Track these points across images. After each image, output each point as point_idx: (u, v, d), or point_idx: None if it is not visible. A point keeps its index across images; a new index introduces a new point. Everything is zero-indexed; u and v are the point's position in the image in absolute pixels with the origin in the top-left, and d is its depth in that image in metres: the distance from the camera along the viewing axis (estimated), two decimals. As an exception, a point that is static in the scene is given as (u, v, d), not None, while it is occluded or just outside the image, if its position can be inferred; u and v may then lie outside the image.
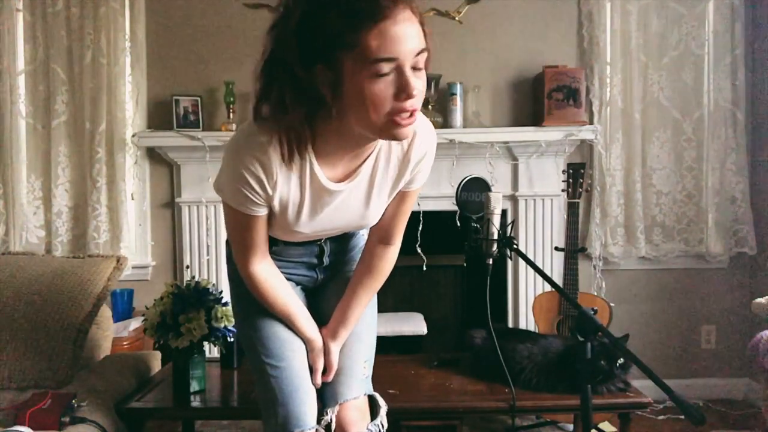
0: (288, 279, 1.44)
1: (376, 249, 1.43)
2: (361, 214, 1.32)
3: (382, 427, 1.44)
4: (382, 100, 1.05)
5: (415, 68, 1.06)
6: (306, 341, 1.41)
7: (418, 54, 1.05)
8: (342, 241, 1.49)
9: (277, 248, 1.41)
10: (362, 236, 1.53)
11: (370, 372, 1.47)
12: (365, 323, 1.49)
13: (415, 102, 1.07)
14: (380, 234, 1.42)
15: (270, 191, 1.20)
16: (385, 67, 1.03)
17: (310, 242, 1.43)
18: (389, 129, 1.09)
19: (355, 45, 1.01)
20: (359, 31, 1.01)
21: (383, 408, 1.45)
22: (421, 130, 1.25)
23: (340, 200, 1.27)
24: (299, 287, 1.51)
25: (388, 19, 1.01)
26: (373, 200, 1.31)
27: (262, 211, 1.25)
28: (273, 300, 1.38)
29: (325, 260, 1.49)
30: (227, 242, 1.49)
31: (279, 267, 1.41)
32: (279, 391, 1.33)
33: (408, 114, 1.07)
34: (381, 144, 1.25)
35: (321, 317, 1.47)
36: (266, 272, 1.36)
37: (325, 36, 1.04)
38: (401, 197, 1.36)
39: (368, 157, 1.25)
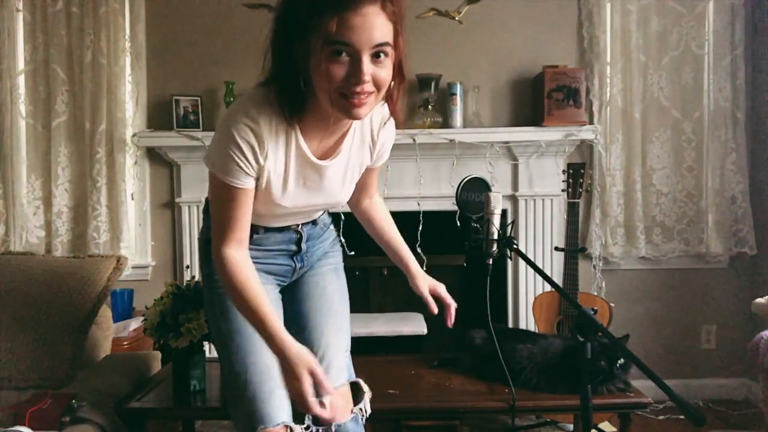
0: (268, 271, 1.47)
1: (368, 203, 1.63)
2: (338, 191, 1.42)
3: (365, 412, 1.46)
4: (335, 78, 1.17)
5: (376, 59, 1.18)
6: (275, 349, 1.27)
7: (379, 46, 1.17)
8: (315, 226, 1.55)
9: (258, 236, 1.44)
10: (331, 229, 1.63)
11: (350, 358, 1.51)
12: (342, 313, 1.52)
13: (367, 87, 1.18)
14: (360, 197, 1.60)
15: (261, 161, 1.28)
16: (341, 50, 1.16)
17: (287, 228, 1.49)
18: (341, 106, 1.21)
19: (320, 28, 1.15)
20: (324, 17, 1.14)
21: (367, 393, 1.48)
22: (388, 117, 1.40)
23: (325, 177, 1.38)
24: (277, 289, 1.51)
25: (349, 11, 1.14)
26: (347, 179, 1.42)
27: (249, 183, 1.29)
28: (243, 291, 1.30)
29: (303, 247, 1.51)
30: (202, 240, 1.51)
31: (259, 258, 1.42)
32: (246, 387, 1.33)
33: (359, 96, 1.19)
34: (355, 128, 1.38)
35: (297, 318, 1.47)
36: (241, 258, 1.33)
37: (300, 20, 1.19)
38: (368, 172, 1.51)
39: (345, 138, 1.37)
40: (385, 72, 1.20)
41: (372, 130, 1.41)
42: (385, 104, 1.34)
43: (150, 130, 3.01)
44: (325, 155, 1.36)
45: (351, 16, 1.14)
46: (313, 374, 1.24)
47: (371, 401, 1.51)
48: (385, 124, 1.41)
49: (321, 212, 1.57)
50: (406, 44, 1.24)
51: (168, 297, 1.89)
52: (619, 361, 1.80)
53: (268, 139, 1.26)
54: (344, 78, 1.17)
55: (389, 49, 1.19)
